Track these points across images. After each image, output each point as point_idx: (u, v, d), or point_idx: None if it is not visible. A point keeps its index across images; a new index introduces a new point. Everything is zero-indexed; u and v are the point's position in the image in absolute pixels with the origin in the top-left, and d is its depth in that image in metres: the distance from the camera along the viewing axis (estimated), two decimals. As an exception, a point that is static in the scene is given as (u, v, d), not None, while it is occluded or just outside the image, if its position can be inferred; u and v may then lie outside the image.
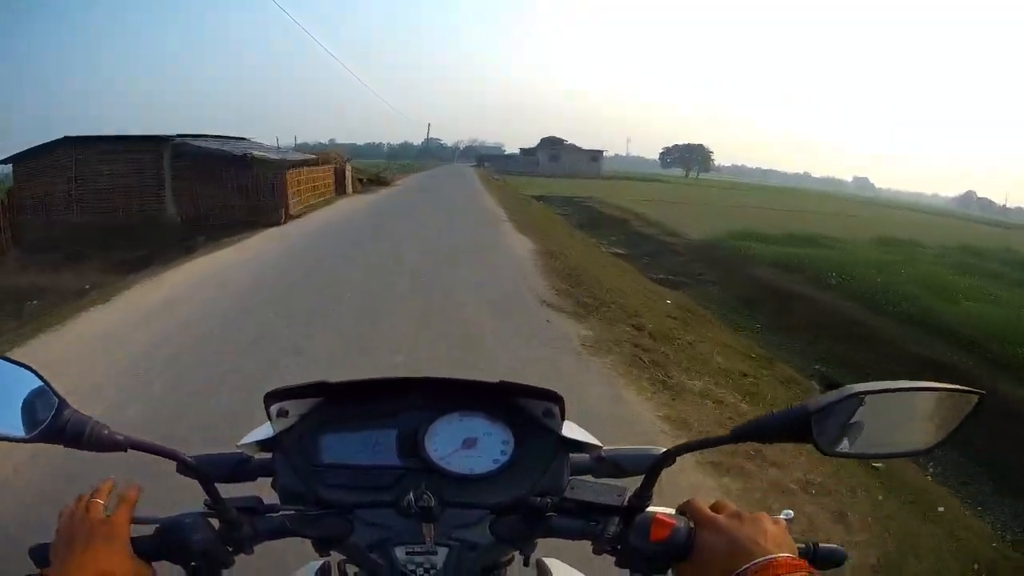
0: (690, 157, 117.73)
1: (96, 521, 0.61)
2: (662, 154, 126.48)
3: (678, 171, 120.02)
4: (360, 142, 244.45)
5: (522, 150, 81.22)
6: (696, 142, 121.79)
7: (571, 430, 0.74)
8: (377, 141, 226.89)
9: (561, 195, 33.65)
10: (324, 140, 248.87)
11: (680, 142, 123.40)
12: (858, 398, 0.58)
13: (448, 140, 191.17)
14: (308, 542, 0.73)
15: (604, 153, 78.80)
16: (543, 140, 78.38)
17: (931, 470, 4.86)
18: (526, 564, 0.82)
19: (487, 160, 76.24)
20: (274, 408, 0.71)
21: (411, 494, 0.67)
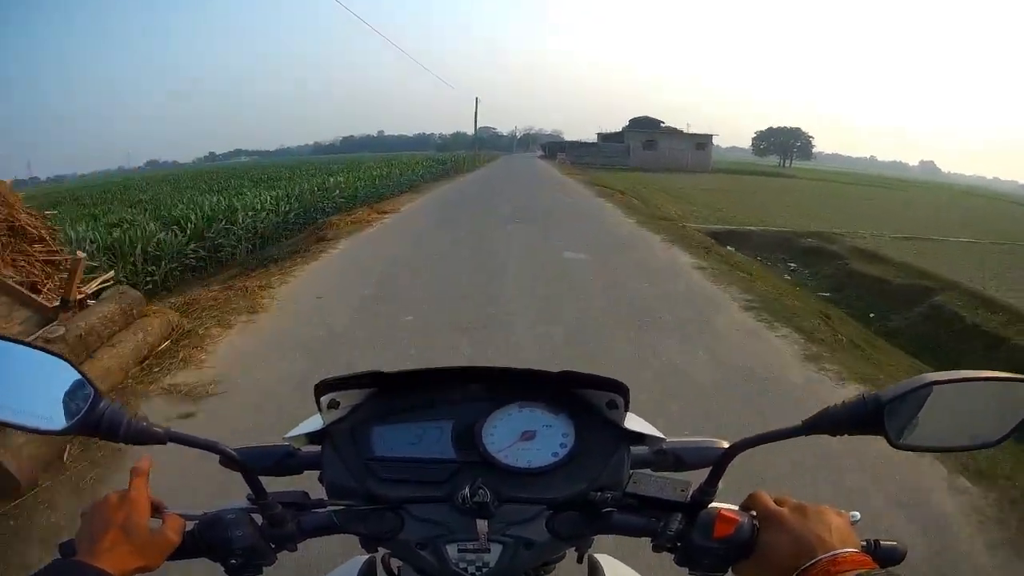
0: (787, 143, 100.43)
1: (117, 506, 0.59)
2: (755, 139, 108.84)
3: (773, 159, 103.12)
4: (410, 133, 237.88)
5: (602, 136, 61.15)
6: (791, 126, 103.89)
7: (633, 422, 0.72)
8: (428, 132, 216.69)
9: (732, 221, 16.25)
10: (373, 132, 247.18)
11: (773, 125, 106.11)
12: (928, 388, 0.57)
13: (503, 129, 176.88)
14: (352, 538, 0.70)
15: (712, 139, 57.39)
16: (633, 122, 58.47)
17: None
18: (579, 561, 0.80)
19: (562, 150, 57.53)
20: (325, 399, 0.69)
21: (467, 489, 0.64)
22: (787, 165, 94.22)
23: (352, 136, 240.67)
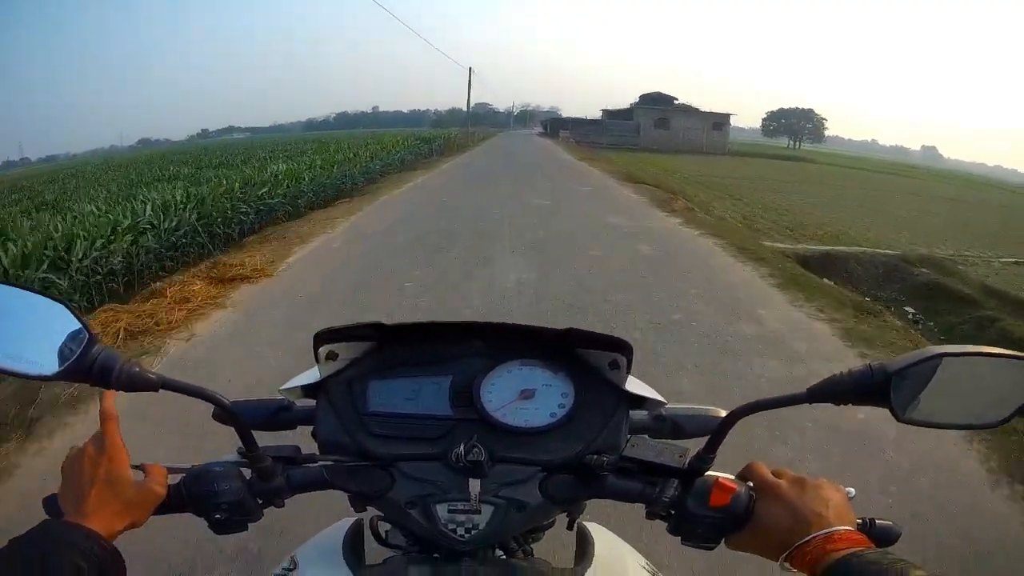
0: (798, 125, 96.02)
1: (96, 458, 0.58)
2: (765, 121, 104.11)
3: (782, 141, 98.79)
4: (405, 109, 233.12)
5: (608, 112, 55.26)
6: (803, 107, 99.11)
7: (634, 384, 0.71)
8: (423, 108, 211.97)
9: (809, 234, 11.85)
10: (367, 109, 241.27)
11: (784, 106, 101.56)
12: (938, 360, 0.55)
13: (499, 105, 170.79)
14: (344, 501, 0.70)
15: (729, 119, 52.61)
16: (644, 98, 52.44)
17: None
18: (569, 528, 0.79)
19: (565, 127, 50.69)
20: (323, 350, 0.67)
21: (461, 447, 0.63)
22: (796, 147, 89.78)
23: (346, 112, 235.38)
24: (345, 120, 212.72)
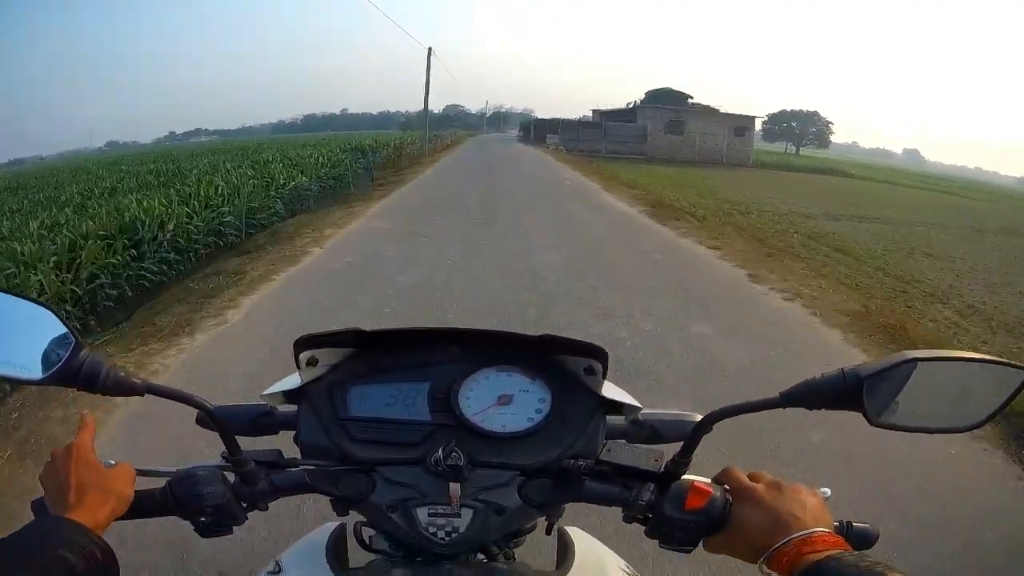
0: (803, 129, 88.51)
1: (67, 459, 0.61)
2: (766, 123, 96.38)
3: (780, 145, 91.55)
4: (375, 111, 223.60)
5: (602, 113, 43.58)
6: (806, 109, 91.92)
7: (610, 390, 0.71)
8: (393, 110, 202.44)
9: None
10: (335, 111, 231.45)
11: (788, 108, 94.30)
12: (912, 364, 0.56)
13: (471, 107, 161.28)
14: (327, 506, 0.70)
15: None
16: (651, 95, 42.05)
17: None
18: (548, 532, 0.80)
19: (553, 130, 39.98)
20: (304, 356, 0.68)
21: (440, 451, 0.64)
22: (797, 152, 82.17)
23: (314, 114, 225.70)
24: (313, 122, 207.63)
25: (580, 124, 41.01)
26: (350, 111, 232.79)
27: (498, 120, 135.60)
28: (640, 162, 29.20)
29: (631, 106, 41.04)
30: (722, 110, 40.30)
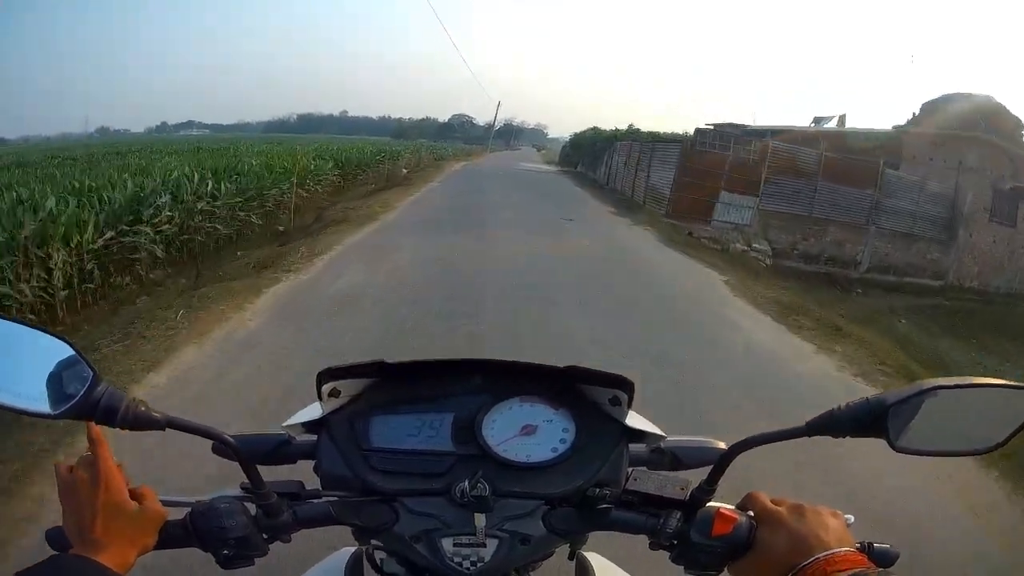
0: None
1: (91, 486, 0.57)
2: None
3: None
4: (374, 115, 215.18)
5: (719, 128, 16.48)
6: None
7: (634, 419, 0.72)
8: (395, 116, 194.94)
9: None
10: (335, 112, 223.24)
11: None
12: (932, 392, 0.57)
13: (480, 119, 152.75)
14: (341, 529, 0.70)
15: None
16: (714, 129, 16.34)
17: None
18: (570, 558, 0.79)
19: (663, 159, 15.86)
20: (326, 388, 0.68)
21: (465, 482, 0.64)
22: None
23: (310, 114, 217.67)
24: (308, 122, 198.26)
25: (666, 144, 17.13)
26: (350, 113, 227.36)
27: (509, 135, 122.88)
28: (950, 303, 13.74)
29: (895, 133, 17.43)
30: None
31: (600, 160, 25.07)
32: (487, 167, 31.12)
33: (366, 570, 0.78)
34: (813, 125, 20.68)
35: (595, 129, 31.72)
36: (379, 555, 0.76)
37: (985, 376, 0.58)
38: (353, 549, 0.80)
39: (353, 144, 29.84)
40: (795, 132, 18.96)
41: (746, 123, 21.08)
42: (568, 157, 37.50)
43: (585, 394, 0.71)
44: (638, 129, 25.44)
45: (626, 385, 0.67)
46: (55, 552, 0.57)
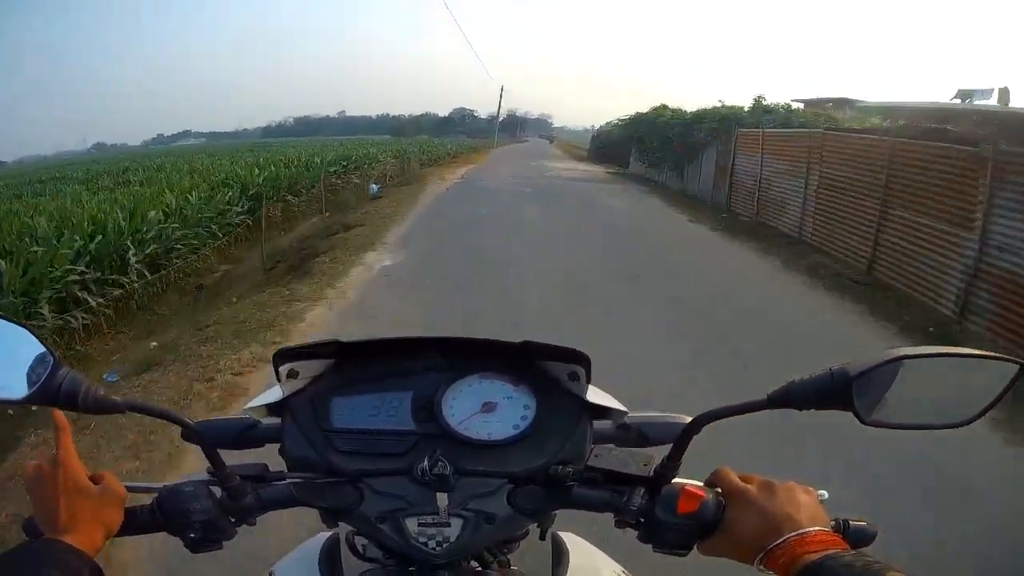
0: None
1: (53, 474, 0.59)
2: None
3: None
4: (374, 114, 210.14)
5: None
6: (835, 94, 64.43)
7: (596, 395, 0.71)
8: (394, 113, 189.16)
9: None
10: (333, 114, 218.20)
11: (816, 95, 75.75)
12: (899, 362, 0.55)
13: (482, 112, 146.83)
14: (317, 515, 0.70)
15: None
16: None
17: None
18: (542, 538, 0.78)
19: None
20: (284, 368, 0.68)
21: (425, 461, 0.63)
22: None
23: (308, 116, 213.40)
24: (306, 125, 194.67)
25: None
26: (348, 113, 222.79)
27: (513, 126, 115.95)
28: None
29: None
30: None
31: (685, 159, 15.31)
32: (500, 178, 18.94)
33: (344, 556, 0.77)
34: (958, 101, 14.66)
35: (665, 109, 18.02)
36: (360, 541, 0.75)
37: (956, 346, 0.56)
38: (329, 534, 0.79)
39: (315, 148, 24.10)
40: (926, 110, 13.20)
41: (857, 97, 15.13)
42: (604, 152, 27.38)
43: (545, 370, 0.70)
44: (773, 106, 13.50)
45: (583, 360, 0.66)
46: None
